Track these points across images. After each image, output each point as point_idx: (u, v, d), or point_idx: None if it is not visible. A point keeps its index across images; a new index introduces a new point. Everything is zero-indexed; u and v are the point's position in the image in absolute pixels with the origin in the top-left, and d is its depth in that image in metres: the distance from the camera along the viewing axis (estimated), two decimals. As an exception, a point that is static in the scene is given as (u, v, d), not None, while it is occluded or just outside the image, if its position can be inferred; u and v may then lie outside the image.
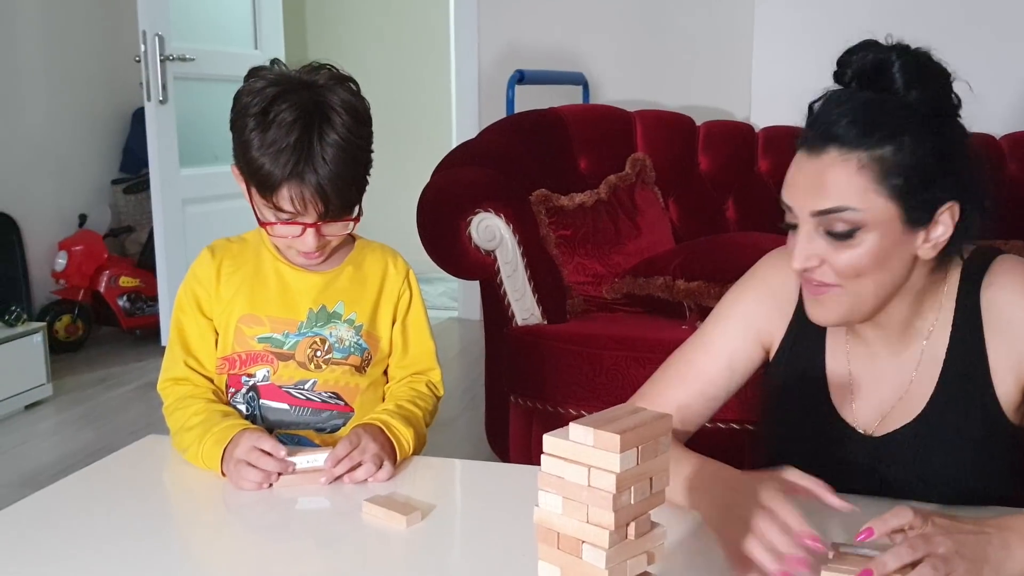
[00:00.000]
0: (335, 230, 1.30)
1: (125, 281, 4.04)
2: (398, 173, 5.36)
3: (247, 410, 1.33)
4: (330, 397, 1.34)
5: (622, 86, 3.75)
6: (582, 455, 0.69)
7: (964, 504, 1.04)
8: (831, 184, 0.99)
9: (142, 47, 3.67)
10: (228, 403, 1.33)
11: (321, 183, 1.22)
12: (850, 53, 1.03)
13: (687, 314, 2.34)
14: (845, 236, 1.00)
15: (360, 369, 1.36)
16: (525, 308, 2.29)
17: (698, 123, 3.00)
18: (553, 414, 2.22)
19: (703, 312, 2.30)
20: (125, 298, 4.04)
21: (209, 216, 4.09)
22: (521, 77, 3.30)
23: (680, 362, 1.21)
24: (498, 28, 3.97)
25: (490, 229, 2.23)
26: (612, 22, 3.77)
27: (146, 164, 3.85)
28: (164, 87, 3.73)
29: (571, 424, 0.70)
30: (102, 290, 3.99)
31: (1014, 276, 1.07)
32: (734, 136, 2.99)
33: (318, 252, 1.30)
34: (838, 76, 1.04)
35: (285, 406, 1.33)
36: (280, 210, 1.25)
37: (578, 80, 3.68)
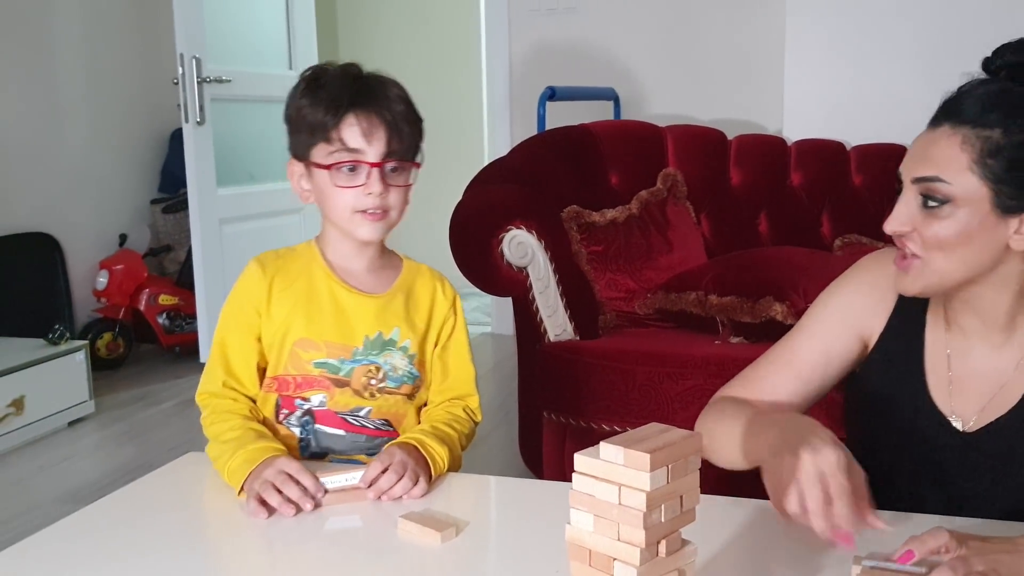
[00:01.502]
0: (398, 179, 1.29)
1: (164, 299, 4.10)
2: (431, 190, 5.38)
3: (301, 433, 1.33)
4: (383, 424, 1.35)
5: (653, 101, 3.76)
6: (613, 474, 0.70)
7: None
8: (933, 153, 1.03)
9: (180, 70, 3.74)
10: (273, 421, 1.33)
11: (384, 110, 1.25)
12: (1006, 46, 1.05)
13: (720, 329, 2.33)
14: (936, 206, 1.03)
15: (411, 396, 1.37)
16: (557, 324, 2.30)
17: (730, 137, 2.99)
18: (586, 430, 2.23)
19: (736, 327, 2.29)
20: (164, 316, 4.10)
21: (245, 235, 4.14)
22: (552, 94, 3.31)
23: (778, 348, 1.24)
24: (529, 45, 4.00)
25: (522, 246, 2.25)
26: (642, 37, 3.78)
27: (184, 184, 3.92)
28: (201, 108, 3.80)
29: (602, 443, 0.71)
30: (142, 308, 4.06)
31: None
32: (766, 150, 2.98)
33: (381, 210, 1.28)
34: (987, 64, 1.06)
35: (340, 432, 1.33)
36: (345, 148, 1.25)
37: (609, 95, 3.69)
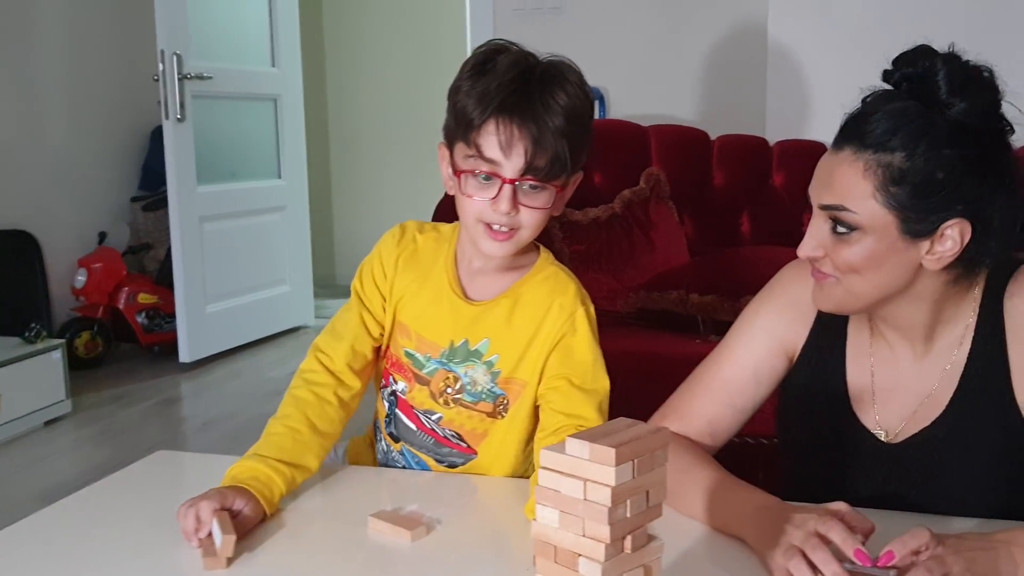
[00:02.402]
0: (534, 200, 1.16)
1: (144, 298, 4.07)
2: (417, 187, 5.38)
3: (388, 408, 1.32)
4: (452, 435, 1.30)
5: (637, 101, 3.75)
6: (578, 469, 0.69)
7: (979, 514, 1.04)
8: (837, 180, 1.01)
9: (160, 66, 3.72)
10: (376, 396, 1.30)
11: (534, 121, 1.12)
12: (903, 57, 1.03)
13: (701, 328, 2.33)
14: (845, 233, 1.01)
15: (494, 415, 1.28)
16: (538, 323, 2.28)
17: (712, 137, 2.99)
18: (566, 429, 2.21)
19: (717, 326, 2.28)
20: (144, 315, 4.07)
21: (226, 233, 4.12)
22: (536, 93, 3.30)
23: (706, 375, 1.22)
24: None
25: (503, 244, 2.23)
26: (627, 37, 3.77)
27: (164, 182, 3.89)
28: (182, 105, 3.77)
29: (568, 438, 0.69)
30: (121, 307, 4.03)
31: None
32: (748, 150, 2.98)
33: (509, 229, 1.16)
34: (887, 76, 1.04)
35: (413, 426, 1.31)
36: (481, 156, 1.14)
37: (594, 95, 3.69)
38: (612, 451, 0.67)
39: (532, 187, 1.15)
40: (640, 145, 2.89)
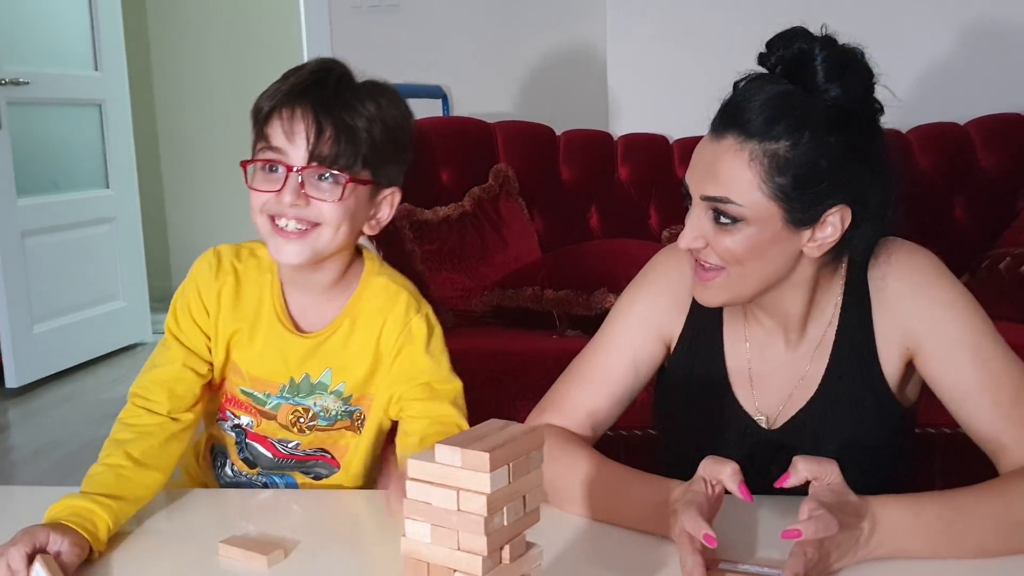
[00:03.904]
0: (324, 193, 1.08)
1: (-40, 321, 3.75)
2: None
3: (236, 439, 1.24)
4: (315, 451, 1.24)
5: (482, 98, 3.74)
6: (450, 477, 0.64)
7: (857, 483, 1.05)
8: (721, 172, 0.99)
9: (-32, 70, 3.44)
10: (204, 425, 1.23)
11: (325, 107, 1.06)
12: (778, 39, 1.01)
13: (557, 324, 2.32)
14: (728, 223, 1.00)
15: (353, 429, 1.23)
16: (393, 326, 2.22)
17: (558, 133, 3.00)
18: (427, 433, 2.17)
19: (573, 321, 2.29)
20: (-39, 339, 3.75)
21: (51, 247, 3.87)
22: (378, 92, 3.24)
23: (583, 366, 1.19)
24: (353, 43, 3.90)
25: (352, 247, 2.16)
26: (469, 34, 3.75)
27: (-21, 195, 3.60)
28: (-5, 112, 3.51)
29: (437, 444, 0.65)
30: (-66, 332, 3.70)
31: (898, 254, 1.09)
32: (593, 145, 3.00)
33: (303, 225, 1.08)
34: (762, 60, 1.02)
35: (270, 454, 1.24)
36: (268, 146, 1.08)
37: (437, 93, 3.65)
38: (486, 456, 0.63)
39: (321, 177, 1.08)
40: (486, 142, 2.87)
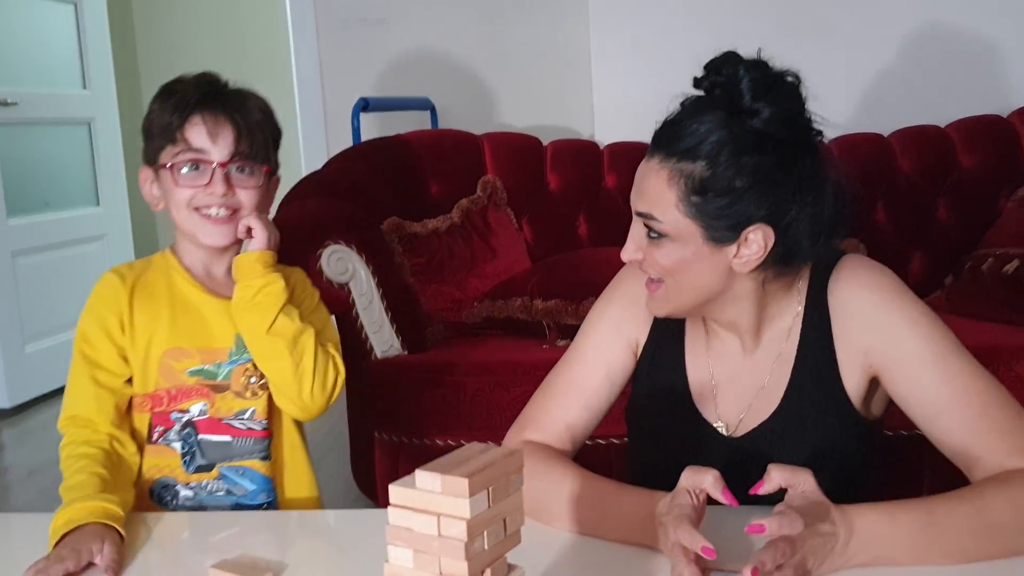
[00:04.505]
0: (247, 182, 1.27)
1: (-47, 342, 3.75)
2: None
3: (183, 447, 1.26)
4: (268, 424, 1.31)
5: (469, 110, 3.76)
6: (430, 503, 0.66)
7: (833, 500, 1.07)
8: (646, 188, 1.04)
9: (-45, 92, 3.44)
10: (131, 448, 1.25)
11: (235, 112, 1.25)
12: (710, 63, 1.04)
13: (547, 333, 2.34)
14: (656, 238, 1.05)
15: None
16: (384, 340, 2.24)
17: (545, 143, 3.02)
18: (419, 447, 2.18)
19: (562, 330, 2.31)
20: (-45, 360, 3.75)
21: (43, 266, 3.87)
22: (366, 105, 3.25)
23: (559, 380, 1.21)
24: (340, 56, 3.91)
25: (342, 262, 2.18)
26: (455, 46, 3.77)
27: (-31, 216, 3.61)
28: (-17, 133, 3.51)
29: (417, 471, 0.66)
30: (-72, 354, 3.70)
31: (857, 272, 1.11)
32: (580, 154, 3.02)
33: (228, 211, 1.26)
34: (697, 83, 1.06)
35: (227, 438, 1.28)
36: (189, 148, 1.24)
37: (424, 105, 3.66)
38: (465, 481, 0.64)
39: (240, 169, 1.27)
40: (474, 153, 2.89)
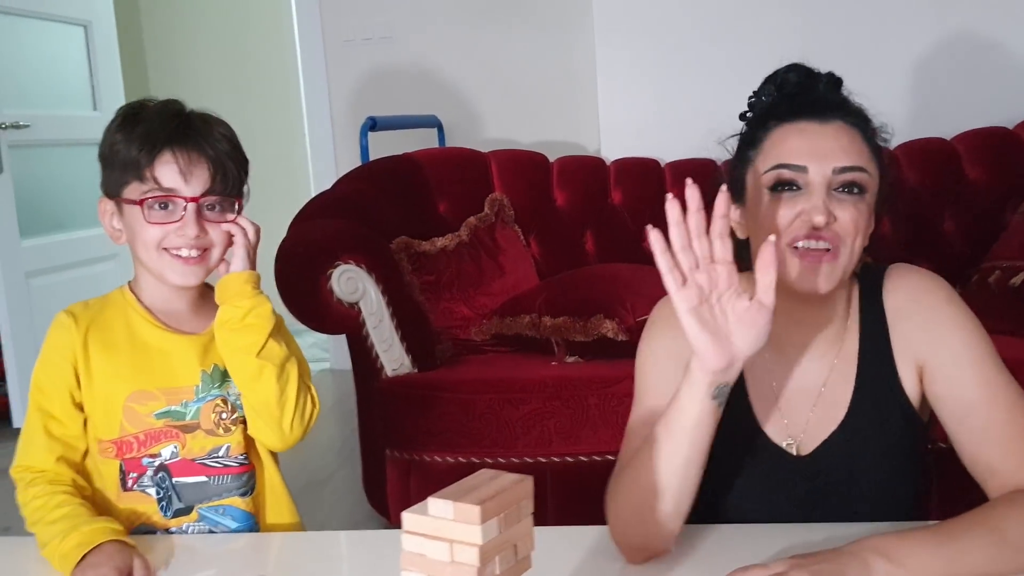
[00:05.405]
0: (219, 218, 1.22)
1: (-32, 363, 3.78)
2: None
3: (159, 493, 1.23)
4: (244, 459, 1.27)
5: (476, 127, 3.78)
6: (443, 530, 0.68)
7: (894, 512, 1.08)
8: (850, 146, 1.08)
9: (-31, 116, 3.49)
10: (110, 493, 1.23)
11: (206, 146, 1.20)
12: (780, 71, 1.15)
13: (555, 350, 2.35)
14: (858, 194, 1.07)
15: None
16: (394, 358, 2.26)
17: (551, 159, 3.04)
18: (430, 464, 2.19)
19: (570, 347, 2.32)
20: (-30, 380, 3.78)
21: (57, 287, 3.90)
22: (373, 124, 3.28)
23: (636, 419, 1.16)
24: (348, 76, 3.95)
25: (352, 281, 2.20)
26: (461, 64, 3.80)
27: (-14, 238, 3.64)
28: (-3, 156, 3.55)
29: (430, 498, 0.68)
30: (-57, 374, 3.73)
31: (912, 278, 1.14)
32: (587, 170, 3.04)
33: (199, 251, 1.21)
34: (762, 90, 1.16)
35: (203, 479, 1.24)
36: (159, 187, 1.18)
37: (432, 123, 3.69)
38: (477, 508, 0.66)
39: (211, 207, 1.21)
40: (481, 171, 2.91)
